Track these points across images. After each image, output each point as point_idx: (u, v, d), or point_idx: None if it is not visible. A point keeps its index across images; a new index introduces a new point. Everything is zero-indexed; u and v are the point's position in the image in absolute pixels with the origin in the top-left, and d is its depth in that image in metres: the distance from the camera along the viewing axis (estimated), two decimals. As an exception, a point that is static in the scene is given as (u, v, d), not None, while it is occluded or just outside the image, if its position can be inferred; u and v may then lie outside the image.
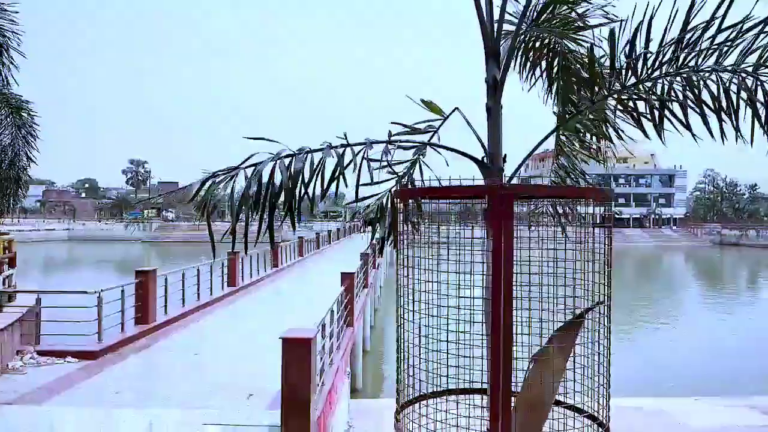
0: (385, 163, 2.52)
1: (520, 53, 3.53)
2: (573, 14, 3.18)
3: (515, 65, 3.45)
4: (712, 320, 24.62)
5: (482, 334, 2.85)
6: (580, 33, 3.26)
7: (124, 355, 9.71)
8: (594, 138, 3.58)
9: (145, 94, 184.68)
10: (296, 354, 5.53)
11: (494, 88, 2.67)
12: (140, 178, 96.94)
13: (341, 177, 2.31)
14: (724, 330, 23.02)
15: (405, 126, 2.69)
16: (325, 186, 2.32)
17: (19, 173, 11.94)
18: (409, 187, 2.78)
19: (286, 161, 2.29)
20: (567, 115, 3.27)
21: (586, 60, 3.36)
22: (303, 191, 2.31)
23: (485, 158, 2.62)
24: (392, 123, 2.66)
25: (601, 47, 3.19)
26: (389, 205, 2.76)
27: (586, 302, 2.58)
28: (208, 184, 2.26)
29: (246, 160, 2.32)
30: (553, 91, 3.65)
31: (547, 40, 3.33)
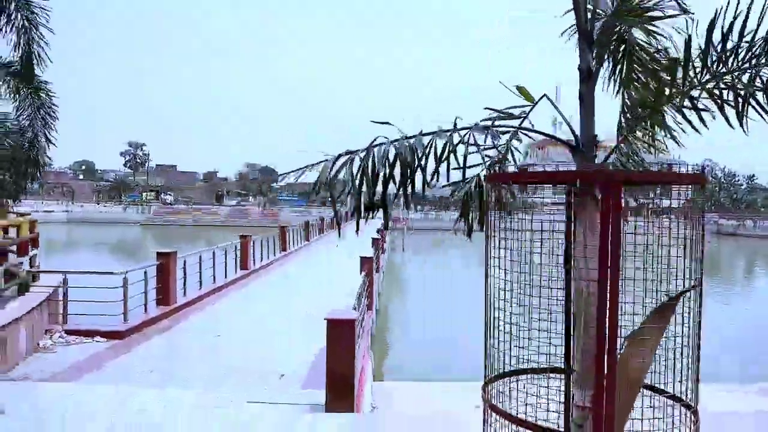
0: (484, 147, 2.60)
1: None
2: (649, 4, 3.23)
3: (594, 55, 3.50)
4: (711, 309, 24.86)
5: (556, 315, 2.96)
6: (655, 23, 3.32)
7: (148, 336, 9.84)
8: (655, 127, 3.65)
9: (145, 94, 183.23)
10: (340, 334, 5.66)
11: (588, 75, 2.75)
12: (138, 160, 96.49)
13: (452, 156, 2.40)
14: (723, 318, 23.35)
15: (498, 111, 2.77)
16: (437, 167, 2.40)
17: (38, 154, 11.95)
18: (502, 171, 2.86)
19: (406, 143, 2.37)
20: (640, 106, 3.35)
21: (655, 51, 3.44)
22: (411, 174, 2.38)
23: (578, 144, 2.71)
24: (486, 108, 2.74)
25: (670, 40, 3.27)
26: (479, 189, 2.85)
27: (676, 286, 2.69)
28: (340, 161, 2.33)
29: (373, 141, 2.39)
30: (617, 80, 3.71)
31: (621, 29, 3.39)
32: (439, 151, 2.57)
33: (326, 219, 35.42)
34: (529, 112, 2.87)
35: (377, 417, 5.49)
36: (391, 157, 2.35)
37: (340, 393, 5.66)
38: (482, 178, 2.83)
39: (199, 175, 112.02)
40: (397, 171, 2.59)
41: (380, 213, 2.67)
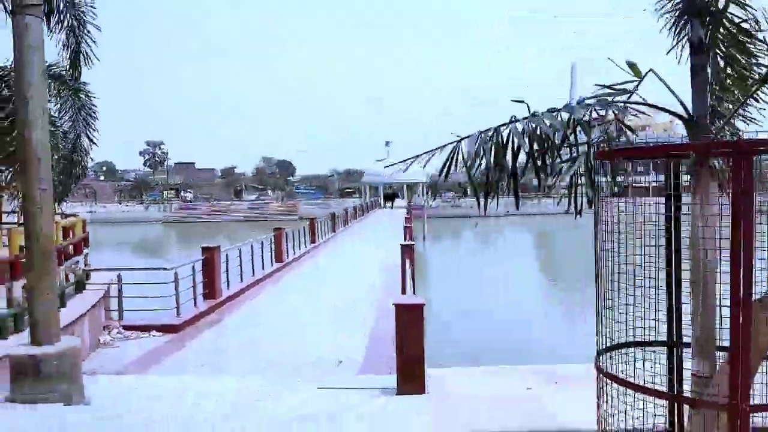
0: (601, 123, 2.64)
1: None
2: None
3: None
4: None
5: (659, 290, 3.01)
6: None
7: (201, 329, 10.05)
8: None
9: (145, 94, 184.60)
10: (410, 319, 5.74)
11: (699, 47, 2.77)
12: (157, 159, 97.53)
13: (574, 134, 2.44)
14: None
15: (608, 87, 2.80)
16: (562, 140, 2.44)
17: (81, 156, 12.19)
18: (609, 148, 2.90)
19: (543, 120, 2.42)
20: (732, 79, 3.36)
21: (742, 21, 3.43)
22: (551, 147, 2.43)
23: (693, 117, 2.73)
24: (596, 85, 2.78)
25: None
26: (588, 165, 2.89)
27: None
28: (479, 141, 2.38)
29: (509, 121, 2.44)
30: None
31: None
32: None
33: (349, 210, 35.54)
34: (637, 86, 2.89)
35: (451, 398, 5.57)
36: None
37: (411, 376, 5.76)
38: (592, 155, 2.86)
39: (217, 172, 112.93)
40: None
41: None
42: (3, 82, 7.42)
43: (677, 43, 3.54)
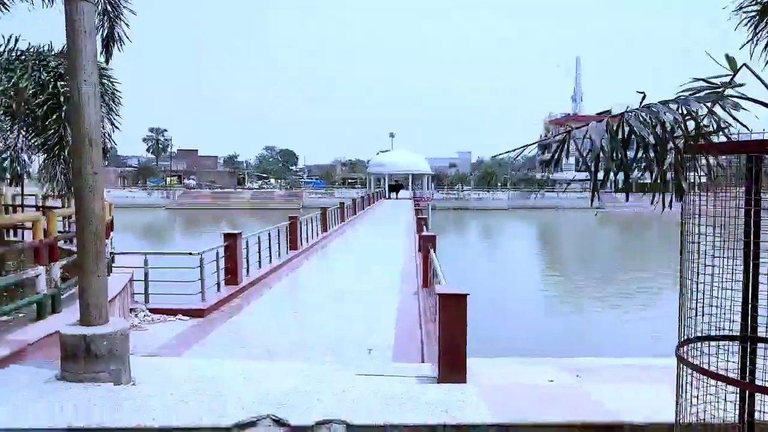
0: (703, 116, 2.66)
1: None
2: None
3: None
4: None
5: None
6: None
7: (227, 314, 10.10)
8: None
9: (147, 80, 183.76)
10: (453, 308, 5.78)
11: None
12: (160, 146, 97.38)
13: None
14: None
15: (705, 81, 2.81)
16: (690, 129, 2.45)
17: (105, 141, 12.17)
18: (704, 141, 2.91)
19: (670, 106, 2.44)
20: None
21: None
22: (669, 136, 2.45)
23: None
24: (694, 78, 2.79)
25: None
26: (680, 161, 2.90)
27: None
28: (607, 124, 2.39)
29: (642, 101, 2.47)
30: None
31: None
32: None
33: (357, 201, 35.56)
34: (731, 79, 2.91)
35: (494, 387, 5.62)
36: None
37: (454, 365, 5.80)
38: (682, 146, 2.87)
39: (220, 159, 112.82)
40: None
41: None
42: (42, 68, 7.39)
43: (753, 38, 3.54)
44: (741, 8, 3.42)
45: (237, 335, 8.80)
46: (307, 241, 19.68)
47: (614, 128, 2.42)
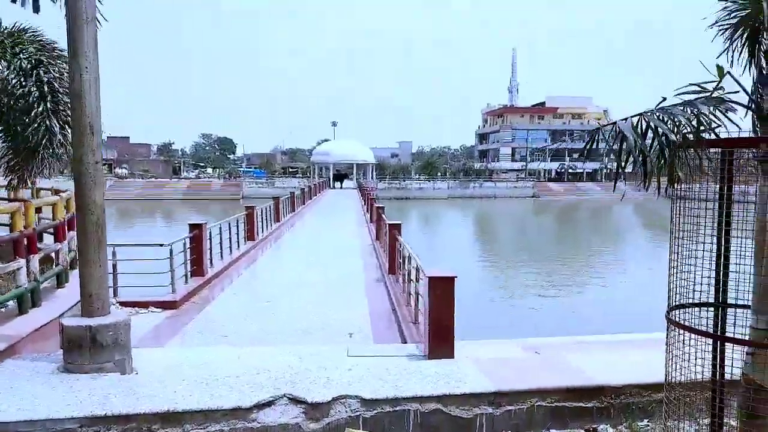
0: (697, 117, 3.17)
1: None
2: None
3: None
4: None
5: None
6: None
7: (199, 305, 10.09)
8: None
9: None
10: (442, 290, 6.20)
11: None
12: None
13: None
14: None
15: (698, 85, 3.33)
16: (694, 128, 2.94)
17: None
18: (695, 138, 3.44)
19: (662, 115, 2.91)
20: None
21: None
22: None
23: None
24: (691, 84, 3.31)
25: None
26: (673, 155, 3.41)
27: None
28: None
29: (642, 112, 2.91)
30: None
31: None
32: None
33: (304, 189, 35.50)
34: (718, 85, 3.45)
35: (482, 361, 6.10)
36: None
37: (442, 342, 6.24)
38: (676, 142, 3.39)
39: (154, 147, 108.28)
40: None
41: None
42: (21, 51, 6.89)
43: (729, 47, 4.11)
44: (717, 22, 3.97)
45: (214, 325, 8.84)
46: (263, 232, 19.61)
47: (635, 126, 2.88)
